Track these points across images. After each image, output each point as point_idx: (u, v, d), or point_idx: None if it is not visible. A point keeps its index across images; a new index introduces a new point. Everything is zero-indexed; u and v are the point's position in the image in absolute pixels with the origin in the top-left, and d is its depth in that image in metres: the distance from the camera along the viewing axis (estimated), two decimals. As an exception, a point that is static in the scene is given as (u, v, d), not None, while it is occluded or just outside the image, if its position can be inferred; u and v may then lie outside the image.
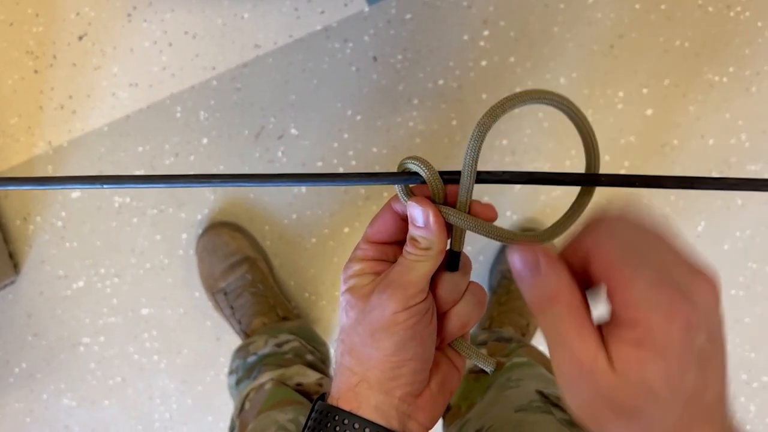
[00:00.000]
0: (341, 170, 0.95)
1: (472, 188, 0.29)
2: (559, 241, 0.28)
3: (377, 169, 0.95)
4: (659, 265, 0.23)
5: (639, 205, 0.25)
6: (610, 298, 0.23)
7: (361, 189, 0.96)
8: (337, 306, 0.98)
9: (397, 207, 0.32)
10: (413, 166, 0.30)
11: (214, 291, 0.92)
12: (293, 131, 0.94)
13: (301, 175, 0.30)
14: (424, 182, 0.30)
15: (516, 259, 0.26)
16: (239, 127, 0.94)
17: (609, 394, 0.23)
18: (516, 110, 0.95)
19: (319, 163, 0.95)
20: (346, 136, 0.95)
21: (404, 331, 0.30)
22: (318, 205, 0.96)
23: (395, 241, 0.33)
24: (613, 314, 0.23)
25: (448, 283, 0.32)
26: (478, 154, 0.29)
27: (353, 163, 0.95)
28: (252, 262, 0.91)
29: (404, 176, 0.30)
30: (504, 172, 0.30)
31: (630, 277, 0.23)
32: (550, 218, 0.97)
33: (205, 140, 0.94)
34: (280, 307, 0.91)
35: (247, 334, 0.89)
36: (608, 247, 0.24)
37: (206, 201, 0.95)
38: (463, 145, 0.95)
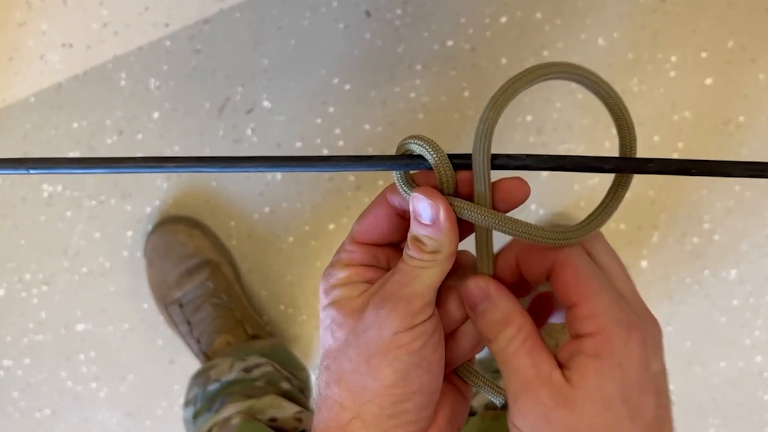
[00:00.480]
0: (325, 152, 0.95)
1: (489, 176, 0.30)
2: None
3: (370, 151, 0.95)
4: (621, 290, 0.30)
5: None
6: (572, 308, 0.29)
7: (351, 176, 0.96)
8: (320, 322, 0.97)
9: (394, 199, 0.32)
10: (416, 148, 0.31)
11: (167, 302, 0.93)
12: (266, 104, 0.94)
13: (275, 158, 0.30)
14: (429, 168, 0.30)
15: (468, 290, 0.31)
16: (199, 98, 0.94)
17: (564, 406, 0.27)
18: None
19: (298, 144, 0.95)
20: (331, 110, 0.94)
21: (408, 357, 0.30)
22: (296, 195, 0.94)
23: (389, 242, 0.33)
24: (572, 326, 0.29)
25: (456, 297, 0.32)
26: (489, 139, 0.29)
27: (340, 143, 0.95)
28: (214, 266, 0.92)
29: (404, 160, 0.31)
30: (528, 156, 0.30)
31: (596, 290, 0.28)
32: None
33: (156, 114, 0.94)
34: (248, 322, 0.92)
35: (207, 355, 0.90)
36: (581, 259, 0.29)
37: (157, 190, 0.95)
38: (476, 119, 0.93)
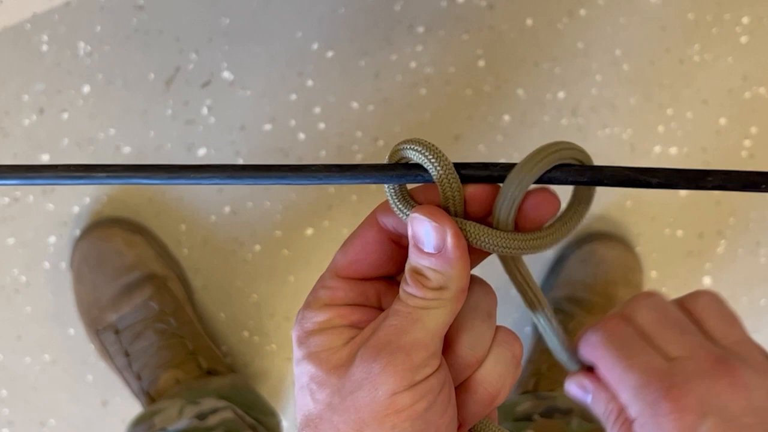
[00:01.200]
0: (302, 138, 0.96)
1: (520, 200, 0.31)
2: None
3: (359, 136, 0.96)
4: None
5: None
6: None
7: None
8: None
9: (387, 221, 0.33)
10: (414, 155, 0.31)
11: (99, 327, 0.93)
12: (226, 75, 0.95)
13: (233, 168, 0.30)
14: (431, 181, 0.31)
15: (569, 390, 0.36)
16: (141, 67, 0.94)
17: None
18: (579, 44, 0.95)
19: (267, 126, 0.95)
20: (310, 83, 0.95)
21: (410, 424, 0.30)
22: (265, 192, 0.96)
23: (381, 275, 0.34)
24: None
25: (468, 335, 0.33)
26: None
27: (321, 126, 0.96)
28: (160, 282, 0.93)
29: (398, 171, 0.31)
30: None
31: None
32: (630, 215, 0.97)
33: (86, 88, 0.94)
34: (203, 354, 0.92)
35: (150, 396, 0.90)
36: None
37: (87, 185, 0.94)
38: (496, 97, 0.95)
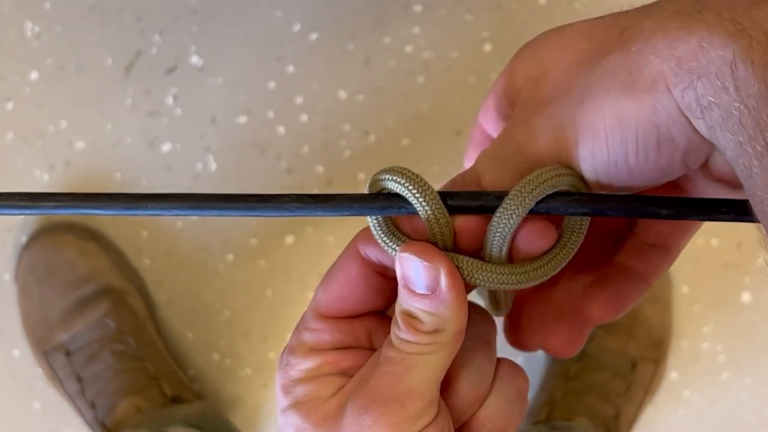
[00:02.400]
0: (282, 132, 0.94)
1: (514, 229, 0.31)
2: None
3: (347, 130, 0.93)
4: None
5: None
6: None
7: (318, 165, 0.95)
8: (271, 379, 0.95)
9: (371, 252, 0.33)
10: (394, 186, 0.31)
11: (47, 348, 0.91)
12: (194, 60, 0.93)
13: (194, 197, 0.31)
14: (416, 213, 0.31)
15: None
16: (97, 50, 0.93)
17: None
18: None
19: (242, 119, 0.94)
20: (291, 69, 0.93)
21: None
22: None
23: (371, 310, 0.34)
24: None
25: (468, 370, 0.33)
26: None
27: (304, 118, 0.94)
28: (117, 297, 0.91)
29: (380, 203, 0.31)
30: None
31: None
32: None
33: (34, 74, 0.94)
34: (166, 378, 0.91)
35: (107, 427, 0.89)
36: None
37: (36, 184, 0.95)
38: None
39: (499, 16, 0.93)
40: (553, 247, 0.32)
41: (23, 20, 0.92)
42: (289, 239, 0.95)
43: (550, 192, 0.30)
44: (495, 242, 0.31)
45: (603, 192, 0.31)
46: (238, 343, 0.96)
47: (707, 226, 0.92)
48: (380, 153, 0.94)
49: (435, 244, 0.31)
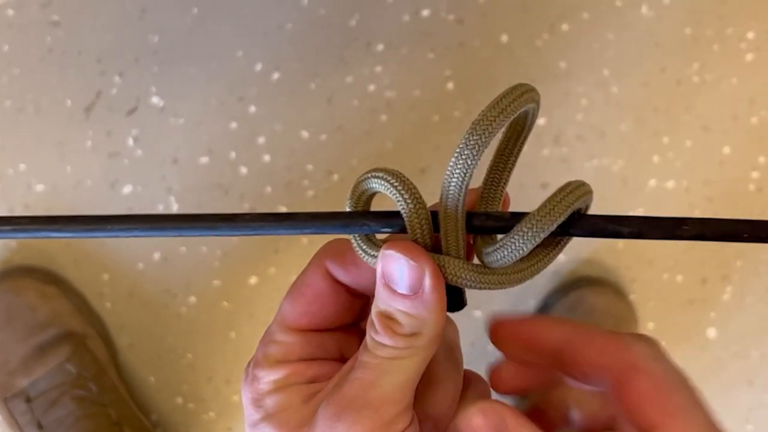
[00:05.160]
0: (245, 172, 0.96)
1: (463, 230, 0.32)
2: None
3: (310, 170, 0.95)
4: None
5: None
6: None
7: (281, 204, 0.96)
8: (235, 422, 0.97)
9: (337, 272, 0.34)
10: (377, 183, 0.32)
11: (7, 395, 0.91)
12: (155, 101, 0.95)
13: (157, 218, 0.31)
14: (378, 231, 0.32)
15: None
16: (56, 92, 0.94)
17: None
18: (562, 64, 0.94)
19: (204, 159, 0.95)
20: (253, 109, 0.95)
21: None
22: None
23: (339, 325, 0.35)
24: None
25: (443, 378, 0.33)
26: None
27: (266, 158, 0.95)
28: (78, 341, 0.92)
29: (341, 221, 0.32)
30: (511, 215, 0.33)
31: (686, 408, 0.31)
32: (623, 258, 0.96)
33: None
34: (129, 424, 0.92)
35: None
36: (660, 363, 0.32)
37: None
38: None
39: (462, 54, 0.95)
40: (536, 254, 0.33)
41: (-19, 62, 0.93)
42: (253, 280, 0.96)
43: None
44: (506, 257, 0.31)
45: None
46: (201, 387, 0.97)
47: (674, 261, 0.97)
48: (344, 192, 0.91)
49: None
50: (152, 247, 0.96)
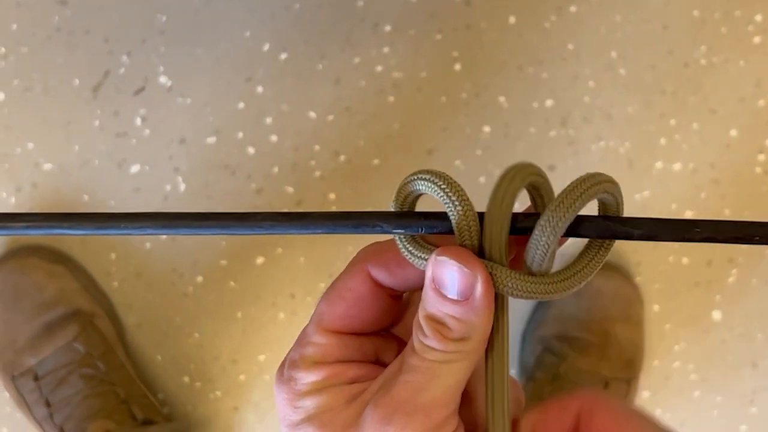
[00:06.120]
0: (252, 152, 0.96)
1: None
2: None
3: (317, 150, 0.96)
4: None
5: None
6: None
7: (288, 186, 0.97)
8: (244, 401, 0.98)
9: (380, 275, 0.34)
10: (425, 186, 0.32)
11: (15, 373, 0.93)
12: (163, 80, 0.95)
13: (167, 215, 0.31)
14: (389, 232, 0.32)
15: None
16: (64, 72, 0.94)
17: None
18: (569, 46, 0.95)
19: (211, 139, 0.96)
20: (260, 89, 0.96)
21: None
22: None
23: (378, 329, 0.35)
24: None
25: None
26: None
27: (273, 138, 0.96)
28: (86, 320, 0.93)
29: (353, 221, 0.32)
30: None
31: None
32: (629, 241, 0.96)
33: (0, 96, 0.95)
34: (136, 402, 0.93)
35: None
36: (612, 400, 0.33)
37: (1, 204, 0.96)
38: (474, 106, 0.95)
39: (469, 36, 0.95)
40: (581, 260, 0.33)
41: (-11, 42, 0.93)
42: (259, 260, 0.96)
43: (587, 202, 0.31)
44: (537, 256, 0.31)
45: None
46: (208, 366, 0.97)
47: (679, 244, 0.98)
48: (350, 173, 0.95)
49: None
50: None
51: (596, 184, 0.31)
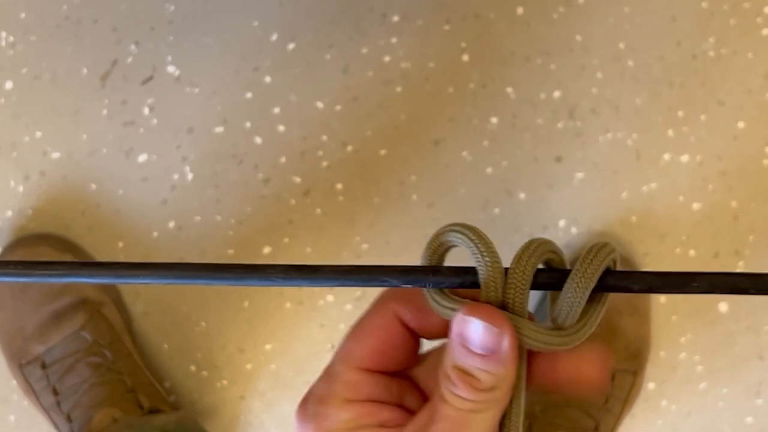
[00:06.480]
0: (259, 142, 0.97)
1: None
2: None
3: (325, 140, 0.96)
4: None
5: None
6: None
7: (296, 176, 0.97)
8: (250, 390, 0.98)
9: (406, 313, 0.34)
10: (457, 238, 0.33)
11: (22, 361, 0.94)
12: (171, 69, 0.96)
13: (183, 266, 0.32)
14: (396, 285, 0.33)
15: None
16: (72, 60, 0.95)
17: None
18: (577, 37, 0.95)
19: (219, 129, 0.96)
20: (268, 79, 0.96)
21: None
22: (215, 204, 0.97)
23: (403, 368, 0.35)
24: None
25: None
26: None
27: (281, 128, 0.96)
28: (93, 309, 0.94)
29: (363, 275, 0.33)
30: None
31: None
32: (636, 231, 0.97)
33: (8, 84, 0.96)
34: (143, 390, 0.93)
35: None
36: None
37: (10, 195, 0.96)
38: (482, 96, 0.96)
39: (477, 26, 0.95)
40: (590, 311, 0.34)
41: (-2, 30, 0.93)
42: (266, 250, 0.97)
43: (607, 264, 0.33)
44: (563, 311, 0.33)
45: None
46: (215, 355, 0.98)
47: (686, 236, 0.98)
48: (358, 163, 0.95)
49: (488, 300, 0.33)
50: (167, 216, 0.96)
51: (612, 249, 0.33)
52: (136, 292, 0.97)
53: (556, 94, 0.97)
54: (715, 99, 0.97)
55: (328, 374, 0.34)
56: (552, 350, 0.33)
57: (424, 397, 0.35)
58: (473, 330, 0.31)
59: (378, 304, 0.35)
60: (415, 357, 0.36)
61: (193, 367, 0.99)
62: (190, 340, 0.98)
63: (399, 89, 0.96)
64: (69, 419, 0.91)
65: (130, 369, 0.93)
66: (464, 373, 0.32)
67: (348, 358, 0.34)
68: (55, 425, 0.93)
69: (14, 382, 0.95)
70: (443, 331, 0.33)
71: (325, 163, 0.96)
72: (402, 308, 0.34)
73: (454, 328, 0.32)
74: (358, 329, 0.35)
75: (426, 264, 0.34)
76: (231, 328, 0.98)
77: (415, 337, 0.35)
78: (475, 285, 0.33)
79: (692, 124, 0.96)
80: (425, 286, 0.33)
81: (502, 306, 0.33)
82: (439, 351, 0.34)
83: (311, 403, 0.34)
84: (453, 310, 0.32)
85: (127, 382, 0.92)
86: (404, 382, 0.36)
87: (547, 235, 0.95)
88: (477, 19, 0.96)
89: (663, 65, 0.96)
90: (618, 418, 0.94)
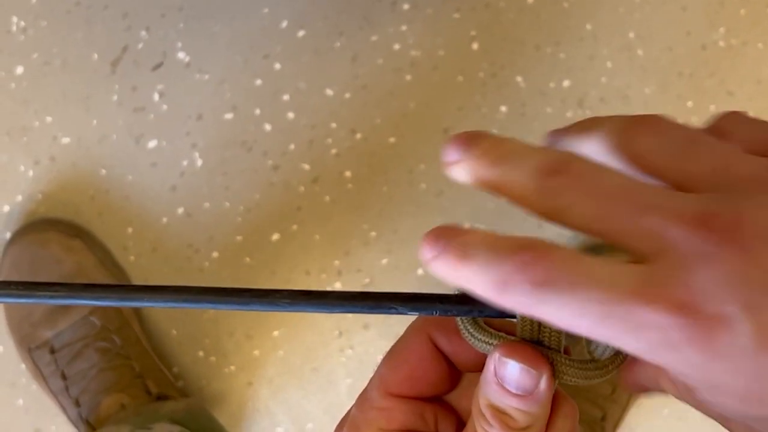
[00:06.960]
0: (269, 129, 0.97)
1: None
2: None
3: (334, 128, 0.97)
4: None
5: None
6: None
7: (304, 163, 0.98)
8: (258, 377, 0.99)
9: (442, 341, 0.34)
10: None
11: (31, 346, 0.94)
12: (181, 56, 0.96)
13: (190, 289, 0.31)
14: (404, 313, 0.32)
15: None
16: (83, 46, 0.95)
17: None
18: (587, 26, 0.95)
19: (228, 116, 0.96)
20: (277, 66, 0.96)
21: None
22: (224, 191, 0.98)
23: (438, 394, 0.35)
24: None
25: None
26: None
27: (290, 115, 0.97)
28: None
29: (370, 302, 0.32)
30: None
31: None
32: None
33: (19, 69, 0.96)
34: (151, 376, 0.94)
35: (91, 424, 0.91)
36: None
37: (20, 179, 0.96)
38: (491, 85, 0.96)
39: (487, 15, 0.95)
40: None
41: (9, 15, 0.93)
42: (275, 237, 0.97)
43: None
44: (600, 346, 0.32)
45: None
46: (222, 341, 0.98)
47: None
48: (367, 151, 0.96)
49: (523, 336, 0.33)
50: (176, 203, 0.97)
51: None
52: (145, 278, 0.98)
53: (566, 83, 0.97)
54: (725, 89, 0.97)
55: (363, 400, 0.34)
56: (586, 384, 0.33)
57: (460, 421, 0.35)
58: (510, 371, 0.31)
59: (413, 329, 0.34)
60: (450, 382, 0.35)
61: (201, 353, 0.99)
62: (198, 327, 0.99)
63: (408, 77, 0.97)
64: (77, 404, 0.92)
65: (138, 354, 0.94)
66: (499, 411, 0.31)
67: (382, 384, 0.34)
68: (64, 409, 0.94)
69: (23, 366, 0.96)
70: (478, 361, 0.33)
71: (334, 151, 0.96)
72: (437, 334, 0.34)
73: (490, 367, 0.31)
74: (392, 354, 0.34)
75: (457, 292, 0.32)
76: (239, 314, 0.99)
77: (450, 362, 0.35)
78: (508, 315, 0.32)
79: (701, 115, 0.97)
80: (433, 314, 0.32)
81: (539, 341, 0.32)
82: (475, 374, 0.33)
83: (345, 430, 0.34)
84: (487, 344, 0.32)
85: (135, 367, 0.93)
86: (440, 407, 0.35)
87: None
88: (487, 8, 0.96)
89: (672, 55, 0.97)
90: (624, 408, 0.95)
